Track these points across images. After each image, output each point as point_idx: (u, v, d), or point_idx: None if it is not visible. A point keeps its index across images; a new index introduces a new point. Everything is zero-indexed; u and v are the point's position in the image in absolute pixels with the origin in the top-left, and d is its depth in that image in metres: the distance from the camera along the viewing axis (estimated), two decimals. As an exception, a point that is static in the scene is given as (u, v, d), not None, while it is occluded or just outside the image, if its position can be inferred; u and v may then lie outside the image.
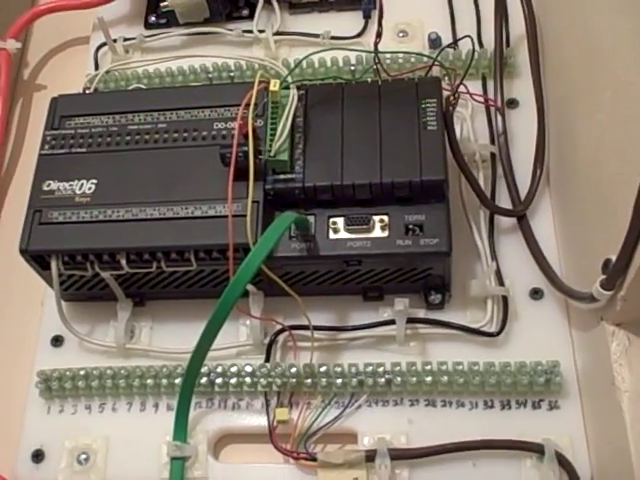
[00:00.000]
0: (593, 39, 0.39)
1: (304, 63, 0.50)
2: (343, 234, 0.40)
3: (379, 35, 0.45)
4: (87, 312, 0.45)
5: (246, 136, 0.40)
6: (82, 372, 0.43)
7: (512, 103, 0.49)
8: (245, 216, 0.39)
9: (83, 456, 0.42)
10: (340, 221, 0.41)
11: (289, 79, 0.43)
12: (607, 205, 0.36)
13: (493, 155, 0.47)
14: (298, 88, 0.43)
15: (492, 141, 0.47)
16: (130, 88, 0.50)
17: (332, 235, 0.40)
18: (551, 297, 0.43)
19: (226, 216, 0.39)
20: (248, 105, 0.41)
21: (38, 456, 0.42)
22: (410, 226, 0.40)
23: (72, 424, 0.43)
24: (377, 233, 0.40)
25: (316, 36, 0.53)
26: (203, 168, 0.42)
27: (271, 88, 0.41)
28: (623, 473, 0.35)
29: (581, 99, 0.41)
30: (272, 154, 0.40)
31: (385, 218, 0.40)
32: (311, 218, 0.41)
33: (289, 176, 0.41)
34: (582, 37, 0.41)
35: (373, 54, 0.46)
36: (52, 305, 0.44)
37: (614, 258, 0.33)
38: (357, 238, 0.40)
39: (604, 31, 0.37)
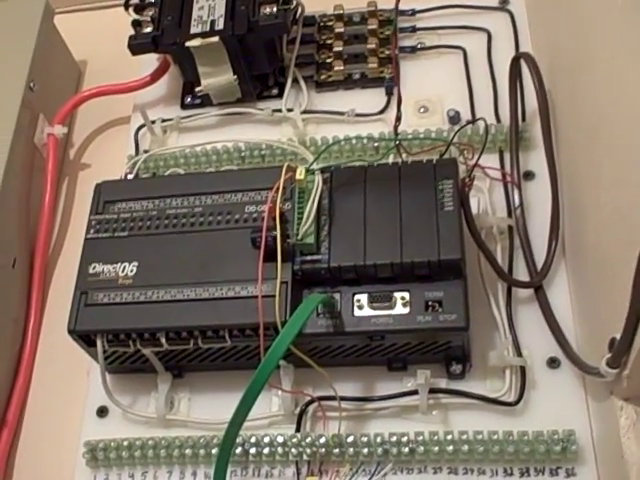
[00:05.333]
0: (595, 120, 0.41)
1: (330, 141, 0.53)
2: (367, 311, 0.43)
3: (398, 119, 0.48)
4: (130, 384, 0.48)
5: (275, 220, 0.43)
6: (125, 443, 0.45)
7: (529, 175, 0.51)
8: (274, 296, 0.42)
9: (127, 522, 0.45)
10: (364, 298, 0.43)
11: (314, 166, 0.46)
12: (612, 284, 0.38)
13: (510, 227, 0.49)
14: (323, 172, 0.46)
15: (509, 214, 0.50)
16: (167, 173, 0.54)
17: (357, 312, 0.43)
18: (568, 366, 0.44)
19: (257, 296, 0.42)
20: (278, 189, 0.44)
21: (86, 523, 0.45)
22: (430, 302, 0.42)
23: (117, 492, 0.46)
24: (399, 309, 0.43)
25: (341, 114, 0.56)
26: (236, 250, 0.45)
27: (297, 177, 0.44)
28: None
29: (587, 179, 0.43)
30: (299, 237, 0.43)
31: (406, 295, 0.43)
32: (337, 295, 0.44)
33: (315, 257, 0.44)
34: (586, 118, 0.43)
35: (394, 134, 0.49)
36: (97, 377, 0.47)
37: (618, 337, 0.35)
38: (380, 315, 0.43)
39: (605, 115, 0.40)
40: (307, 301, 0.41)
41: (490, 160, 0.51)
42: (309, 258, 0.44)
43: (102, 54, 0.65)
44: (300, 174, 0.44)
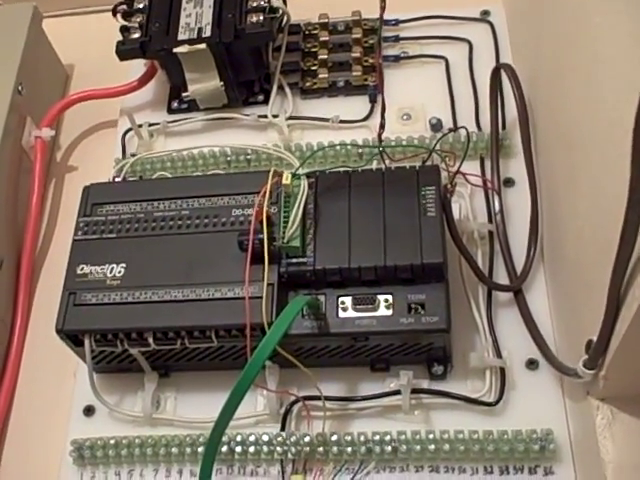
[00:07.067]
0: (572, 130, 0.43)
1: (315, 147, 0.54)
2: (351, 313, 0.44)
3: (382, 127, 0.49)
4: (117, 383, 0.49)
5: (262, 223, 0.44)
6: (112, 441, 0.46)
7: (509, 182, 0.53)
8: (261, 297, 0.43)
9: (114, 520, 0.45)
10: (348, 300, 0.44)
11: (300, 171, 0.46)
12: (589, 288, 0.39)
13: (491, 233, 0.50)
14: (308, 176, 0.47)
15: (490, 219, 0.51)
16: (155, 176, 0.54)
17: (341, 314, 0.44)
18: (546, 367, 0.45)
19: (244, 298, 0.43)
20: (265, 193, 0.45)
21: (72, 520, 0.46)
22: (412, 305, 0.43)
23: (103, 490, 0.46)
24: (382, 312, 0.44)
25: (326, 120, 0.57)
26: (223, 252, 0.46)
27: (283, 182, 0.45)
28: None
29: (565, 187, 0.44)
30: (285, 241, 0.44)
31: (389, 298, 0.44)
32: (322, 297, 0.45)
33: (301, 260, 0.45)
34: (564, 127, 0.45)
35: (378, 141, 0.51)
36: (84, 376, 0.47)
37: (595, 339, 0.36)
38: (364, 317, 0.44)
39: (581, 124, 0.41)
40: (293, 303, 0.42)
41: (471, 167, 0.52)
42: (295, 261, 0.45)
43: (90, 58, 0.66)
44: (287, 179, 0.45)
